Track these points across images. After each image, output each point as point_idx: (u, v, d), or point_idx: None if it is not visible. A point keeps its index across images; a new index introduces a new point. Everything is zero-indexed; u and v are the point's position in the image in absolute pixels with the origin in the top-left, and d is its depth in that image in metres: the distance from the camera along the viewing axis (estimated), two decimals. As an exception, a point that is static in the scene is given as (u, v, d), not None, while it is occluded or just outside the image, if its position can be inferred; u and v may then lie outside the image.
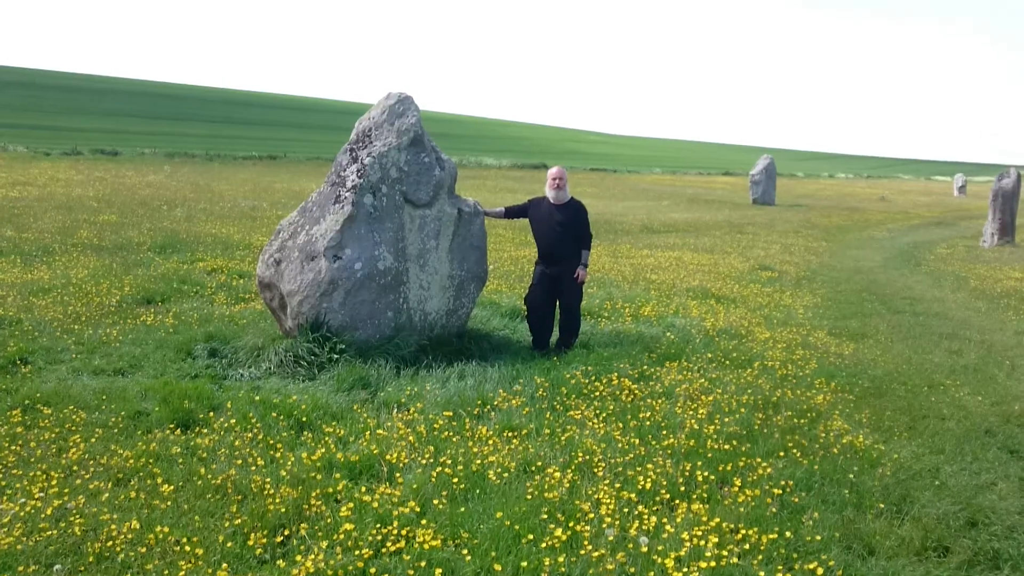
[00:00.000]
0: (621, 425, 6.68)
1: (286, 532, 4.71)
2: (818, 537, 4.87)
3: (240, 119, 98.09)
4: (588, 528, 4.82)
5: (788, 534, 4.85)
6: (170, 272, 12.54)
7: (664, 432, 6.53)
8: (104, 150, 43.55)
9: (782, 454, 6.22)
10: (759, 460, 6.04)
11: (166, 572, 4.16)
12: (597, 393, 7.46)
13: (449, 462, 5.70)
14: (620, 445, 6.20)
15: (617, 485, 5.47)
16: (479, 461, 5.76)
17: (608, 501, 5.18)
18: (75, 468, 5.44)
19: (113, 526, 4.58)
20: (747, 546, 4.72)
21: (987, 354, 10.11)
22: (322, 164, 46.94)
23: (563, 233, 8.94)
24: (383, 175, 8.38)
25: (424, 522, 4.82)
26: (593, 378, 7.82)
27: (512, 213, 9.44)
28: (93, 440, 5.92)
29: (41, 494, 4.99)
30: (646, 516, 5.03)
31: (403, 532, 4.68)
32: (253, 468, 5.54)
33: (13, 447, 5.69)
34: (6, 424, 6.10)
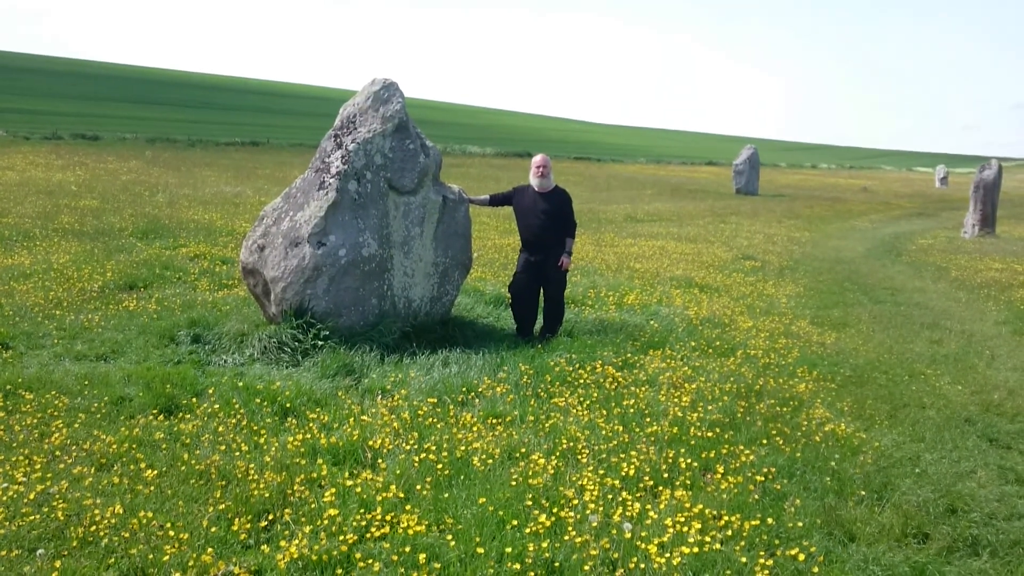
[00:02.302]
0: (605, 412, 6.70)
1: (270, 517, 4.70)
2: (800, 523, 4.92)
3: (222, 105, 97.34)
4: (572, 514, 4.84)
5: (770, 520, 4.89)
6: (152, 258, 12.46)
7: (647, 419, 6.56)
8: (84, 134, 43.03)
9: (764, 442, 6.26)
10: (742, 447, 6.08)
11: (150, 557, 4.15)
12: (581, 380, 7.48)
13: (433, 448, 5.70)
14: (604, 432, 6.23)
15: (601, 472, 5.50)
16: (463, 447, 5.77)
17: (592, 487, 5.21)
18: (58, 453, 5.41)
19: (96, 511, 4.57)
20: (729, 532, 4.76)
21: (967, 344, 10.21)
22: (305, 151, 46.66)
23: (547, 221, 8.93)
24: (368, 161, 8.35)
25: (408, 508, 4.83)
26: (577, 366, 7.84)
27: (497, 201, 9.43)
28: (76, 425, 5.89)
29: (24, 479, 4.96)
30: (630, 502, 5.05)
31: (387, 517, 4.69)
32: (237, 454, 5.53)
33: (-5, 432, 5.65)
34: (-13, 409, 6.05)
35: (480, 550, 4.33)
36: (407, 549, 4.32)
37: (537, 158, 9.15)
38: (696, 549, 4.48)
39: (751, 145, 42.38)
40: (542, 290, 9.16)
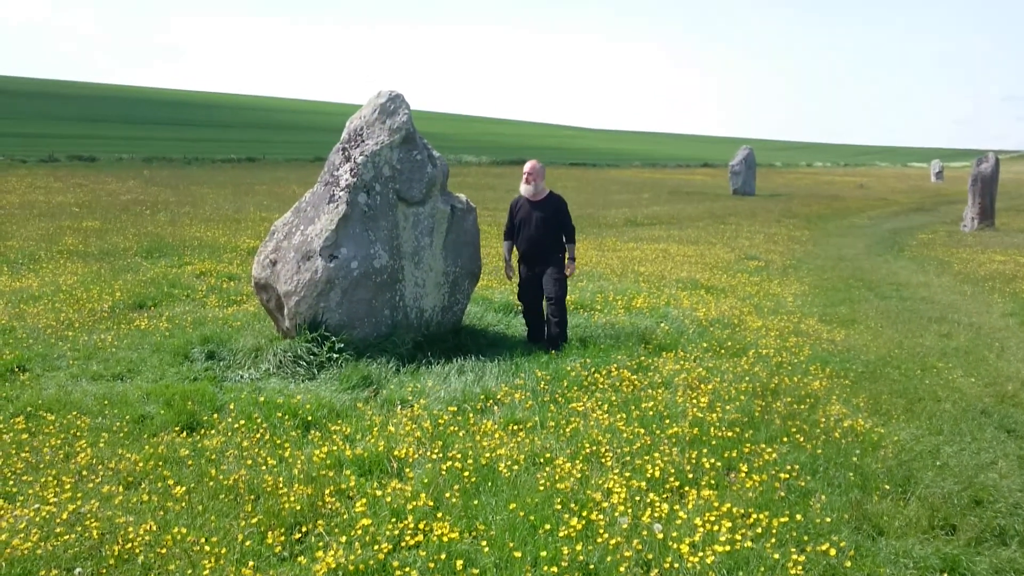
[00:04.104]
0: (624, 415, 6.72)
1: (303, 529, 4.72)
2: (827, 519, 4.95)
3: (216, 122, 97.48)
4: (602, 517, 4.87)
5: (798, 517, 4.92)
6: (159, 276, 12.49)
7: (667, 421, 6.59)
8: (81, 156, 43.07)
9: (785, 439, 6.29)
10: (763, 446, 6.11)
11: (189, 572, 4.18)
12: (598, 385, 7.51)
13: (458, 456, 5.73)
14: (625, 435, 6.26)
15: (627, 474, 5.52)
16: (488, 454, 5.79)
17: (619, 490, 5.23)
18: (85, 473, 5.43)
19: (130, 528, 4.59)
20: (759, 530, 4.79)
21: (976, 336, 10.25)
22: (301, 165, 46.75)
23: (543, 229, 8.75)
24: (376, 173, 8.39)
25: (439, 515, 4.85)
26: (593, 370, 7.87)
27: (510, 232, 9.12)
28: (100, 444, 5.92)
29: (55, 499, 4.98)
30: (657, 503, 5.08)
31: (420, 526, 4.72)
32: (264, 468, 5.56)
33: (21, 454, 5.67)
34: (11, 431, 6.07)
35: (517, 554, 4.36)
36: (443, 556, 4.34)
37: (526, 165, 8.96)
38: (728, 547, 4.51)
39: (747, 146, 42.47)
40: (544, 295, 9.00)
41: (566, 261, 8.96)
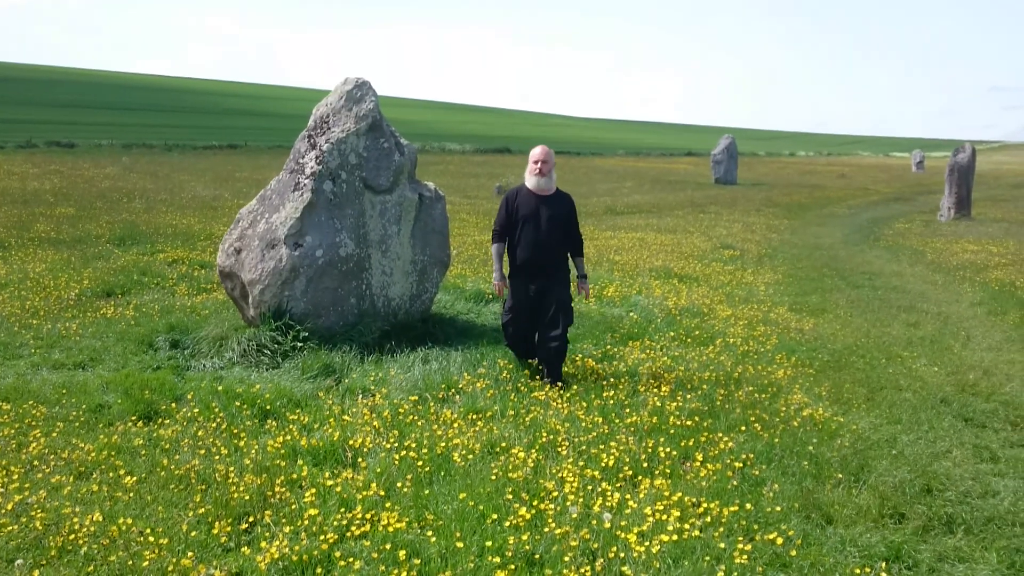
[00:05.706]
0: (585, 404, 6.73)
1: (251, 519, 4.70)
2: (778, 508, 4.96)
3: (198, 108, 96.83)
4: (552, 506, 4.87)
5: (748, 506, 4.93)
6: (130, 264, 12.39)
7: (627, 410, 6.60)
8: (59, 142, 42.65)
9: (743, 428, 6.31)
10: (720, 435, 6.13)
11: (130, 563, 4.14)
12: (562, 373, 7.49)
13: (414, 445, 5.71)
14: (584, 424, 6.26)
15: (581, 463, 5.52)
16: (444, 444, 5.78)
17: (572, 479, 5.23)
18: (36, 463, 5.38)
19: (75, 519, 4.55)
20: (708, 519, 4.80)
21: (943, 326, 10.31)
22: (285, 152, 46.46)
23: (554, 233, 7.22)
24: (342, 161, 8.34)
25: (388, 505, 4.84)
26: (557, 359, 7.85)
27: (504, 231, 7.38)
28: (54, 434, 5.87)
29: (1, 489, 4.94)
30: (609, 493, 5.09)
31: (368, 516, 4.70)
32: (217, 457, 5.52)
33: (-28, 443, 5.62)
34: (-36, 421, 6.02)
35: (460, 544, 4.35)
36: (388, 546, 4.33)
37: (537, 151, 7.29)
38: (675, 537, 4.51)
39: (729, 135, 42.52)
40: (543, 318, 7.37)
41: (578, 280, 7.65)
